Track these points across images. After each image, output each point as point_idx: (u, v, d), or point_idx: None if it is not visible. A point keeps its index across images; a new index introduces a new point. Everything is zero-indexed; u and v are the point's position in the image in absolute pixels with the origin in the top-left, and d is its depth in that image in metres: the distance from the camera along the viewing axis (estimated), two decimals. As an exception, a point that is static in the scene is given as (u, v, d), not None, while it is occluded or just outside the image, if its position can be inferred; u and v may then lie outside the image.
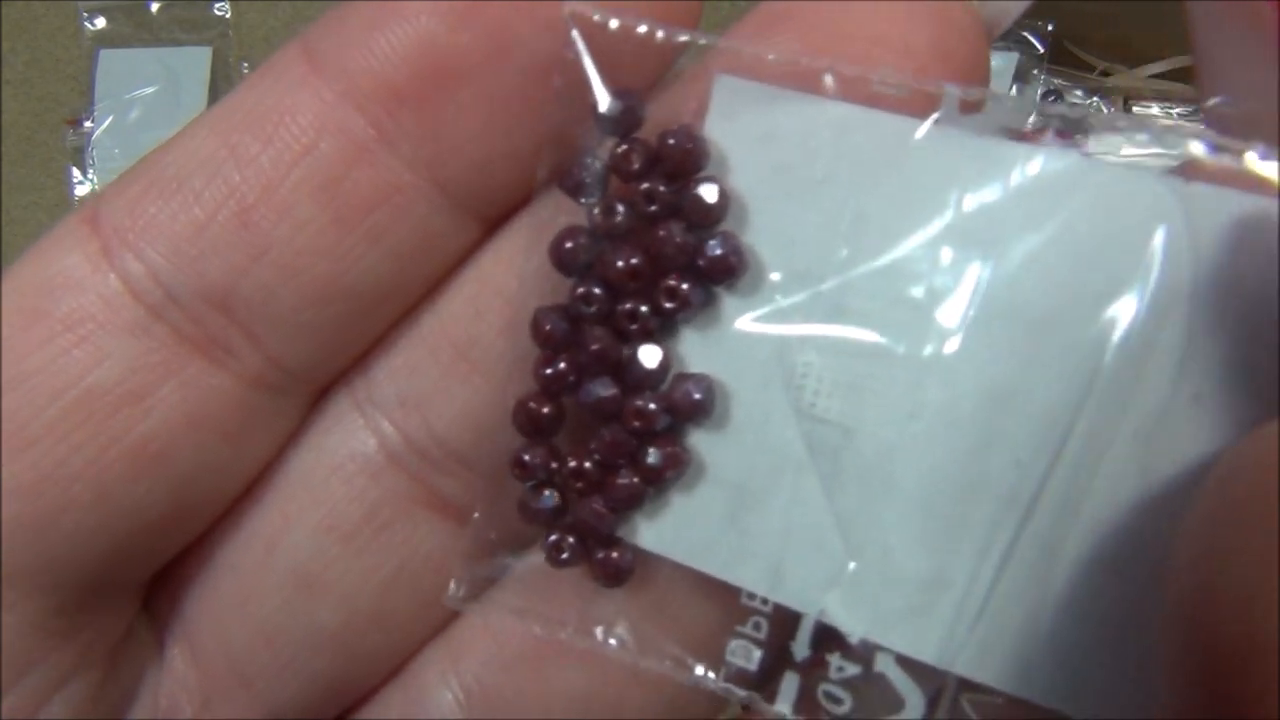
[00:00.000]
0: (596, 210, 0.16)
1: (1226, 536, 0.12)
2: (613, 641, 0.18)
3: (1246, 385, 0.14)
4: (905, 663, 0.16)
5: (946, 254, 0.15)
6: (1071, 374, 0.15)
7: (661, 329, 0.17)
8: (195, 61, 0.64)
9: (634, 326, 0.17)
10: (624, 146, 0.16)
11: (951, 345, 0.15)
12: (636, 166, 0.16)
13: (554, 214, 0.17)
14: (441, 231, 0.17)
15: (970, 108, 0.15)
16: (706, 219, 0.16)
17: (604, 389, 0.17)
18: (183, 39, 0.64)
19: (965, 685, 0.16)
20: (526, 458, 0.17)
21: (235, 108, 0.17)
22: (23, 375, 0.16)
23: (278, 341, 0.17)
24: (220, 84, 0.66)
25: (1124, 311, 0.15)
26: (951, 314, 0.15)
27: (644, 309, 0.17)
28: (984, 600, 0.15)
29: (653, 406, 0.17)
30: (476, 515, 0.18)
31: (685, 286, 0.16)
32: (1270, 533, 0.11)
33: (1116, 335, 0.15)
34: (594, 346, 0.17)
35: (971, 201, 0.15)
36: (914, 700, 0.16)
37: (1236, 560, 0.12)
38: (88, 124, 0.63)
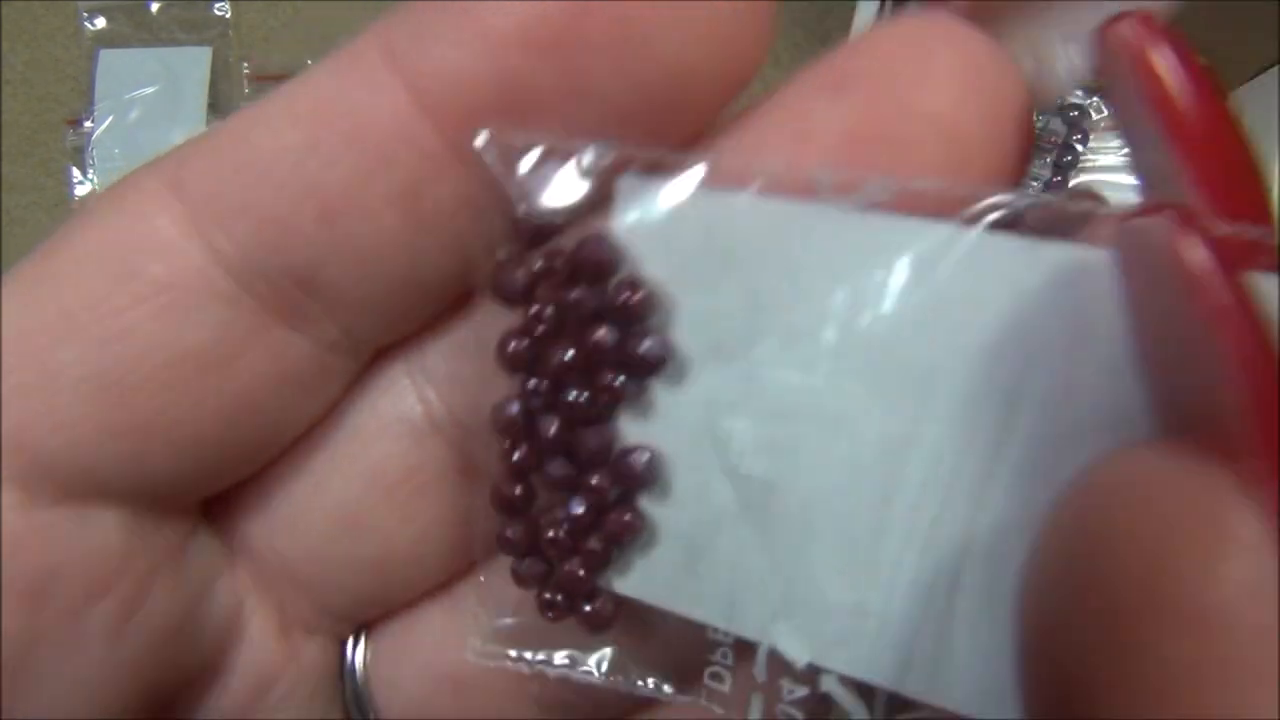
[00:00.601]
0: (531, 315, 0.19)
1: (1045, 575, 0.14)
2: (606, 675, 0.20)
3: (1091, 426, 0.15)
4: (848, 682, 0.18)
5: (838, 321, 0.17)
6: (954, 421, 0.16)
7: (603, 412, 0.19)
8: (195, 61, 0.62)
9: (576, 415, 0.19)
10: (541, 261, 0.18)
11: (849, 403, 0.17)
12: (560, 275, 0.18)
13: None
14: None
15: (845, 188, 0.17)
16: (632, 321, 0.18)
17: (560, 469, 0.19)
18: (183, 39, 0.63)
19: (896, 701, 0.18)
20: (509, 534, 0.20)
21: (316, 99, 0.17)
22: (117, 334, 0.17)
23: (351, 318, 0.18)
24: (220, 84, 0.64)
25: (996, 362, 0.16)
26: (846, 374, 0.17)
27: (585, 397, 0.19)
28: (900, 625, 0.17)
29: (601, 481, 0.19)
30: (482, 579, 0.21)
31: (619, 382, 0.18)
32: (1077, 575, 0.13)
33: (991, 383, 0.16)
34: (548, 434, 0.19)
35: (856, 270, 0.17)
36: (859, 715, 0.18)
37: (1053, 601, 0.13)
38: (88, 124, 0.62)
